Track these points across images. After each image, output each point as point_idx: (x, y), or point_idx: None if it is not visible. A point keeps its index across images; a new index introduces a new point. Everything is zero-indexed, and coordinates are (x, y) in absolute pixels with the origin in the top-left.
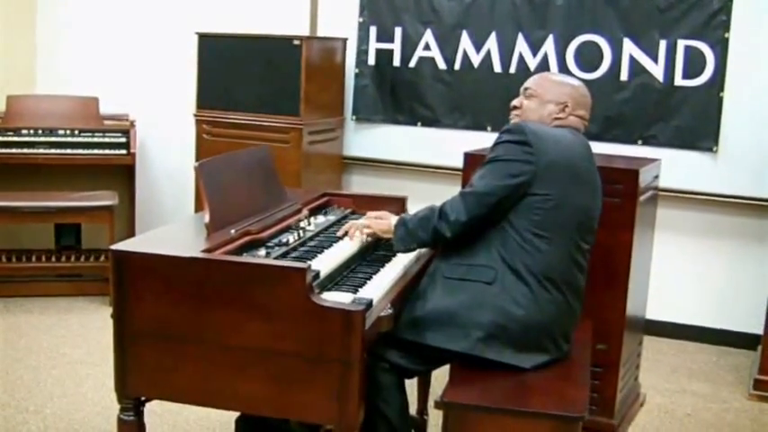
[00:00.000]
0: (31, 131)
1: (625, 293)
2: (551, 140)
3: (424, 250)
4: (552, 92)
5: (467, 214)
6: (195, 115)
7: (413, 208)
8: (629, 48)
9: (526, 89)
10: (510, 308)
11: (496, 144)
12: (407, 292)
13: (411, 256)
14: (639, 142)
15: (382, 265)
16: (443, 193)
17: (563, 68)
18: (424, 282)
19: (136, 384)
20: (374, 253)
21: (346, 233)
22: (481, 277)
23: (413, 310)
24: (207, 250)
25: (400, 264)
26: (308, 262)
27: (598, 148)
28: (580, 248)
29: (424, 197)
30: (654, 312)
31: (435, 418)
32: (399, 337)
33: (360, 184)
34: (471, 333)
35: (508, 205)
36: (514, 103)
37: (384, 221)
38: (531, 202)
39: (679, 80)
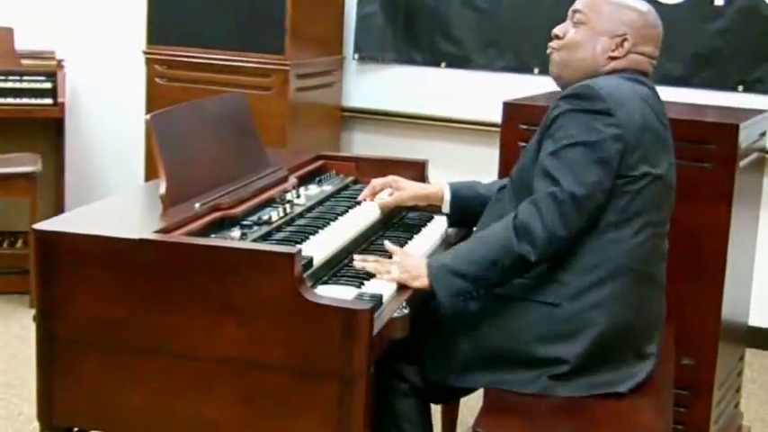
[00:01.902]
0: None
1: (720, 291)
2: (630, 102)
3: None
4: (609, 19)
5: (566, 228)
6: (145, 53)
7: (435, 174)
8: None
9: (575, 12)
10: (586, 329)
11: (561, 114)
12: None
13: (435, 237)
14: (740, 88)
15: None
16: (475, 156)
17: None
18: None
19: (67, 410)
20: (385, 234)
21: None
22: (547, 297)
23: (447, 342)
24: (163, 230)
25: (419, 249)
26: (298, 246)
27: (683, 95)
28: (664, 232)
29: (449, 161)
30: (760, 317)
31: None
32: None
33: (364, 143)
34: (540, 372)
35: (600, 202)
36: (556, 31)
37: (411, 261)
38: (615, 187)
39: None
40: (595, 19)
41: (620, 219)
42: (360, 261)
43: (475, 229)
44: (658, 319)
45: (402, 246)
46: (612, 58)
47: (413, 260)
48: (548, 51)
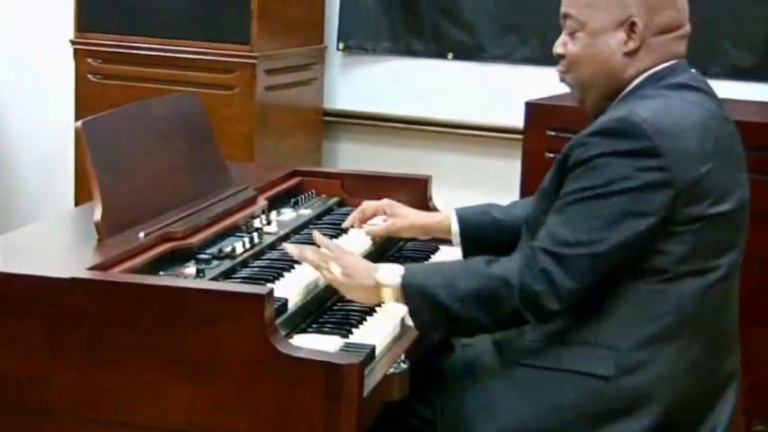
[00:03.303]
0: None
1: None
2: (684, 131)
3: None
4: (603, 8)
5: (569, 289)
6: (74, 42)
7: (440, 194)
8: None
9: (565, 18)
10: (647, 405)
11: (592, 158)
12: (433, 336)
13: None
14: None
15: None
16: (491, 171)
17: None
18: (471, 360)
19: None
20: None
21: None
22: (591, 367)
23: (463, 422)
24: (99, 267)
25: None
26: (269, 285)
27: (754, 91)
28: (734, 272)
29: (458, 177)
30: None
31: None
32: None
33: (352, 155)
34: None
35: (637, 256)
36: (556, 50)
37: (354, 262)
38: (669, 233)
39: None
40: (588, 16)
41: (677, 269)
42: (293, 249)
43: None
44: (730, 379)
45: None
46: (629, 55)
47: (356, 261)
48: (559, 79)
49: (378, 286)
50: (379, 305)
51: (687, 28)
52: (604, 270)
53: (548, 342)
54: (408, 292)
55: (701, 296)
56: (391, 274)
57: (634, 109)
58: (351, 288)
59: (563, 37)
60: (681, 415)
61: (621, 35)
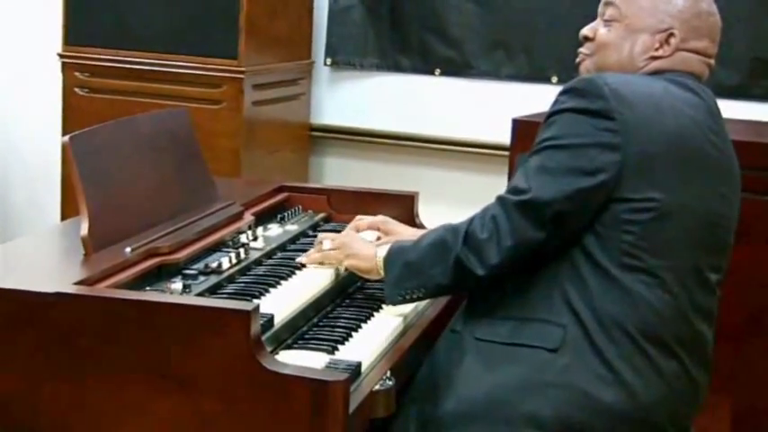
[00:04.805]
0: None
1: None
2: (648, 105)
3: None
4: (649, 10)
5: (512, 238)
6: (61, 56)
7: (427, 210)
8: None
9: (607, 5)
10: (590, 390)
11: (554, 114)
12: (419, 352)
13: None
14: None
15: (376, 308)
16: (478, 187)
17: None
18: (442, 349)
19: None
20: (363, 288)
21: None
22: (539, 340)
23: (426, 400)
24: (85, 282)
25: (405, 306)
26: (255, 300)
27: (740, 109)
28: (705, 282)
29: (445, 193)
30: None
31: None
32: None
33: (339, 171)
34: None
35: (580, 221)
36: (585, 32)
37: (365, 251)
38: (617, 215)
39: None
40: (632, 12)
41: (629, 261)
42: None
43: None
44: (694, 398)
45: (383, 299)
46: (654, 58)
47: (356, 240)
48: (577, 60)
49: (375, 255)
50: (365, 321)
51: (713, 62)
52: (546, 226)
53: (502, 319)
54: (389, 253)
55: (649, 297)
56: (386, 247)
57: (605, 75)
58: (352, 254)
59: (597, 23)
60: (646, 421)
61: (656, 41)
